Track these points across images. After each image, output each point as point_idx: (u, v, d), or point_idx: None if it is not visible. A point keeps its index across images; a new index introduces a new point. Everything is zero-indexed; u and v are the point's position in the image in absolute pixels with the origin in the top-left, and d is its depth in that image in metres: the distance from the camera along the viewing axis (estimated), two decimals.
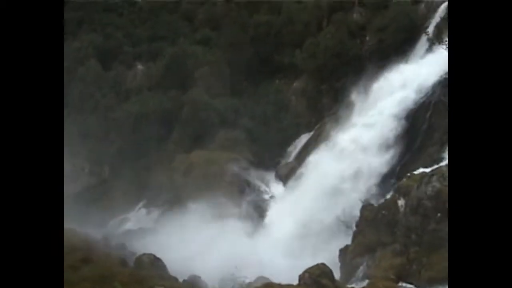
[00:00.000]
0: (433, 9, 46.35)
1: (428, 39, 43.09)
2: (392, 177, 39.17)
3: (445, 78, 37.22)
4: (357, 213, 35.23)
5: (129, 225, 47.70)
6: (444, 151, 35.11)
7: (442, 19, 42.87)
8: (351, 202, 38.48)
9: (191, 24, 66.95)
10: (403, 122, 40.69)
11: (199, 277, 30.93)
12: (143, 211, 48.91)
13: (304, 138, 51.81)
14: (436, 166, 31.14)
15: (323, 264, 27.65)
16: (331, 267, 28.19)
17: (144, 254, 30.66)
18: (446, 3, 43.37)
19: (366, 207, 34.69)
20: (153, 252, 30.72)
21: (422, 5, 48.73)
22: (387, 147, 40.92)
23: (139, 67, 62.91)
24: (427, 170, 31.16)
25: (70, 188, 45.69)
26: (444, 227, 26.45)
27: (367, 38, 52.39)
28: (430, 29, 43.95)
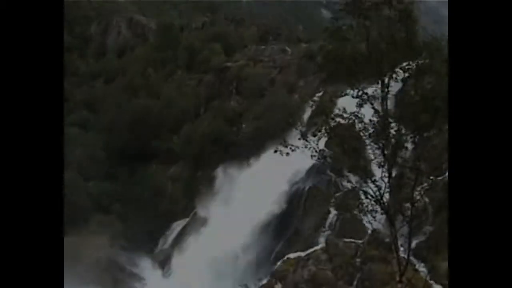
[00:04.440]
0: (307, 99, 48.39)
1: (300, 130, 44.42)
2: (268, 262, 39.36)
3: (319, 165, 38.58)
4: None
5: None
6: (319, 236, 35.96)
7: (314, 110, 44.67)
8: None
9: (68, 105, 65.38)
10: (278, 207, 41.40)
11: None
12: None
13: (180, 224, 51.21)
14: (311, 250, 31.77)
15: None
16: None
17: None
18: (319, 94, 45.41)
19: None
20: None
21: (296, 96, 50.87)
22: (262, 232, 41.27)
23: None
24: (303, 254, 31.70)
25: None
26: None
27: (244, 125, 53.63)
28: (305, 118, 45.63)
